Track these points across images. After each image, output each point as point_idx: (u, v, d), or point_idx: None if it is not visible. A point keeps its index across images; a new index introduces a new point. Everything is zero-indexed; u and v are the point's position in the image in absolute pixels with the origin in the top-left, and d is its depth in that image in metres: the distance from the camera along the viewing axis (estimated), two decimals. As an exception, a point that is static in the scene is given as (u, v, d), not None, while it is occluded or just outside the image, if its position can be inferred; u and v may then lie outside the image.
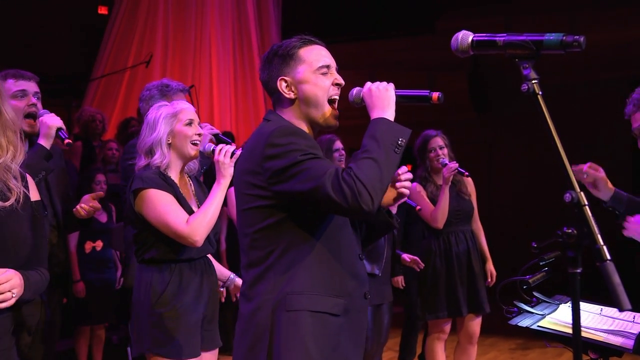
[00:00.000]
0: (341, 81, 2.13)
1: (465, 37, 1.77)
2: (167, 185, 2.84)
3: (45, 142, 3.09)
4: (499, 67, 8.90)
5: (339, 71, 2.16)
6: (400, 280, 4.67)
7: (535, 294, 2.67)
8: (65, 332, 4.90)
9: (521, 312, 2.56)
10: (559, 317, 2.51)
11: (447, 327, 4.45)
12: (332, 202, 1.88)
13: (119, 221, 5.40)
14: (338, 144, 4.47)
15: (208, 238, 2.87)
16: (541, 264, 2.58)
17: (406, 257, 4.37)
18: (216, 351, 3.00)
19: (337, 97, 2.12)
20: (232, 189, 2.54)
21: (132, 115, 7.35)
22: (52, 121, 3.11)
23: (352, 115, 2.40)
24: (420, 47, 9.80)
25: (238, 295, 2.60)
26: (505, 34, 1.69)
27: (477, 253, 4.47)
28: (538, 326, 2.44)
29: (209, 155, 3.13)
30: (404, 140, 1.97)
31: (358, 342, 2.10)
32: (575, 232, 1.54)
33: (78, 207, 3.19)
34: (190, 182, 3.02)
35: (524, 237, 3.77)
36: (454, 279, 4.33)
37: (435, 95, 2.05)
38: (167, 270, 2.82)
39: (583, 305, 2.57)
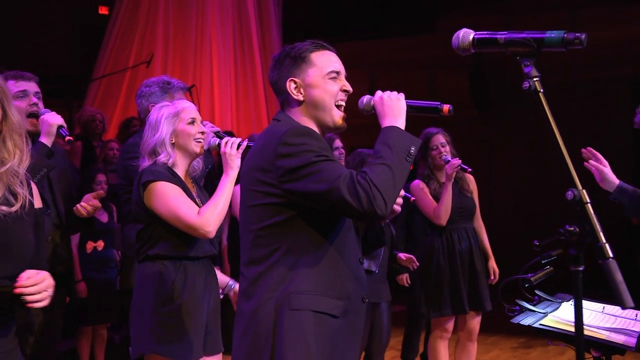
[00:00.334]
0: (349, 88, 2.16)
1: (466, 35, 1.77)
2: (176, 179, 2.85)
3: (46, 140, 3.11)
4: (499, 66, 8.90)
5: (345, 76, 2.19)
6: (405, 278, 4.66)
7: (537, 292, 2.67)
8: (68, 332, 4.90)
9: (523, 310, 2.56)
10: (561, 316, 2.51)
11: (450, 326, 4.45)
12: (346, 204, 1.91)
13: (119, 221, 5.40)
14: (337, 143, 4.47)
15: (210, 239, 2.87)
16: (543, 262, 2.58)
17: (402, 256, 4.37)
18: (219, 356, 2.96)
19: (343, 103, 2.15)
20: (238, 187, 2.54)
21: (133, 115, 7.34)
22: (53, 119, 3.12)
23: (355, 115, 2.41)
24: (421, 46, 9.81)
25: None
26: (506, 32, 1.69)
27: (480, 251, 4.48)
28: (540, 324, 2.44)
29: (215, 149, 3.12)
30: (415, 150, 2.02)
31: (354, 345, 2.12)
32: (577, 229, 1.54)
33: (78, 205, 3.19)
34: (193, 184, 3.02)
35: (525, 235, 3.77)
36: (457, 276, 4.34)
37: (446, 107, 2.09)
38: (173, 267, 2.80)
39: (585, 304, 2.57)
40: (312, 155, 1.96)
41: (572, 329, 2.19)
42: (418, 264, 4.35)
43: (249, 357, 2.01)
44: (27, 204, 1.90)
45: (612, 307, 2.61)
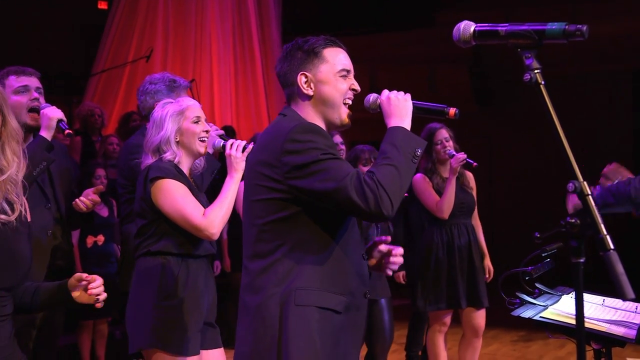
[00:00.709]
0: (358, 87, 2.17)
1: (467, 27, 1.76)
2: (182, 177, 2.84)
3: (46, 134, 3.11)
4: (500, 60, 8.90)
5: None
6: (402, 275, 4.68)
7: (537, 285, 2.68)
8: (68, 327, 4.90)
9: (523, 303, 2.56)
10: (561, 308, 2.51)
11: (448, 319, 4.46)
12: (353, 204, 1.92)
13: (119, 216, 5.41)
14: (338, 138, 4.47)
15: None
16: (543, 255, 2.59)
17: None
18: (219, 351, 2.97)
19: (350, 102, 2.16)
20: (242, 183, 2.54)
21: (133, 109, 7.34)
22: (53, 113, 3.13)
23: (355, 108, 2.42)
24: (421, 41, 9.79)
25: None
26: (507, 24, 1.68)
27: (478, 247, 4.49)
28: (540, 317, 2.44)
29: (220, 151, 3.12)
30: (421, 152, 2.03)
31: (356, 341, 2.13)
32: (578, 221, 1.54)
33: (77, 200, 3.19)
34: (194, 183, 3.01)
35: (526, 229, 3.77)
36: (455, 271, 4.35)
37: (452, 111, 2.10)
38: (175, 263, 2.80)
39: (585, 296, 2.56)
40: (319, 152, 1.97)
41: (573, 322, 2.19)
42: (416, 260, 4.35)
43: (255, 352, 2.01)
44: (23, 213, 1.91)
45: (612, 299, 2.62)
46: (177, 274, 2.79)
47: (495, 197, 9.45)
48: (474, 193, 4.60)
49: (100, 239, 5.15)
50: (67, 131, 3.15)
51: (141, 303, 2.81)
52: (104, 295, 2.01)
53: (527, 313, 2.49)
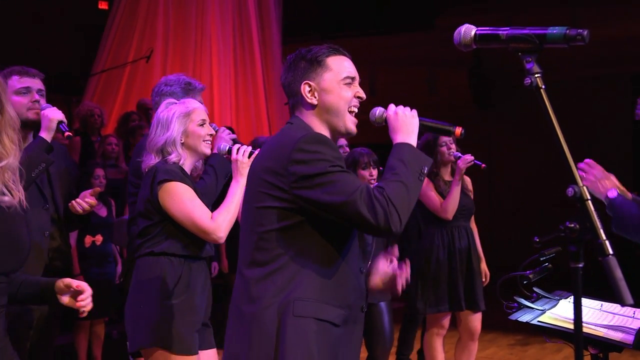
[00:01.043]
0: (363, 95, 2.15)
1: (468, 30, 1.76)
2: (188, 179, 2.86)
3: (46, 135, 3.10)
4: (500, 63, 8.90)
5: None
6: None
7: (535, 289, 2.67)
8: (65, 327, 4.89)
9: (521, 307, 2.56)
10: (559, 313, 2.51)
11: (446, 322, 4.46)
12: (362, 218, 1.91)
13: (118, 216, 5.40)
14: (342, 141, 4.46)
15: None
16: (541, 259, 2.58)
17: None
18: (212, 351, 2.99)
19: (356, 110, 2.15)
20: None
21: (132, 109, 7.34)
22: (54, 114, 3.12)
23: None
24: (421, 43, 9.80)
25: None
26: (508, 28, 1.68)
27: (476, 251, 4.49)
28: (538, 321, 2.44)
29: (224, 154, 3.13)
30: (427, 170, 2.04)
31: (354, 354, 2.12)
32: (577, 226, 1.54)
33: (74, 202, 3.18)
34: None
35: (524, 233, 3.78)
36: (455, 273, 4.35)
37: (459, 130, 2.10)
38: (178, 264, 2.82)
39: (583, 301, 2.56)
40: (327, 164, 1.96)
41: (570, 326, 2.19)
42: (413, 262, 4.35)
43: (248, 358, 1.99)
44: (20, 201, 1.91)
45: (610, 304, 2.61)
46: (180, 275, 2.81)
47: (495, 200, 9.45)
48: (472, 196, 4.61)
49: (99, 238, 5.14)
50: (67, 133, 3.14)
51: (142, 302, 2.81)
52: (89, 307, 2.07)
53: (524, 317, 2.49)
